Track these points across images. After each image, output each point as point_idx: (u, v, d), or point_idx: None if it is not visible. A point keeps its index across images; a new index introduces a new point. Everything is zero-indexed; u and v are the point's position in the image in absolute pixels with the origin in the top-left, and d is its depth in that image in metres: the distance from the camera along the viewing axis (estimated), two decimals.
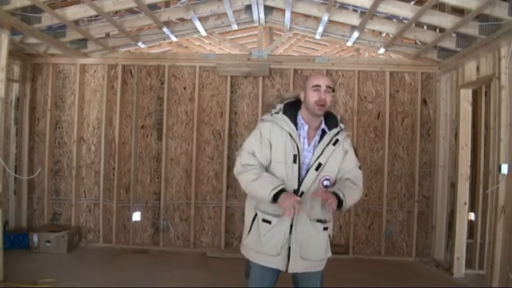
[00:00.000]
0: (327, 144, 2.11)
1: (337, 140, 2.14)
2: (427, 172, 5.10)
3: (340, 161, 2.17)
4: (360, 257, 5.07)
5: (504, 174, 3.53)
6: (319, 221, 2.16)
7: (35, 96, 5.28)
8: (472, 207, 4.67)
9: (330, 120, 2.19)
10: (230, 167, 4.91)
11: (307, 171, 2.09)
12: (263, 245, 2.13)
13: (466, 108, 4.44)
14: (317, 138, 2.15)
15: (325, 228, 2.19)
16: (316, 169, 2.08)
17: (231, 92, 5.22)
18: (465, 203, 4.39)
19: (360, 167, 2.29)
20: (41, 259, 4.51)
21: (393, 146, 5.15)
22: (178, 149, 5.29)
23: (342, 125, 2.21)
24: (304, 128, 2.14)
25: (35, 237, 4.75)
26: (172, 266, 4.52)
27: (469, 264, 4.38)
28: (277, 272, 2.21)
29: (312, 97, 2.08)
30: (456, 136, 4.52)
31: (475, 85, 4.34)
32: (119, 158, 5.22)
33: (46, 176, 5.19)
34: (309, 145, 2.14)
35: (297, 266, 2.14)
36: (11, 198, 5.09)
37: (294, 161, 2.07)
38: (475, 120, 4.60)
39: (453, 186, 4.58)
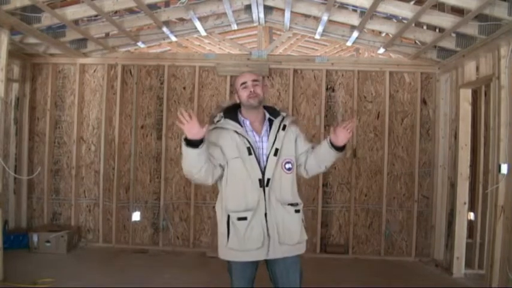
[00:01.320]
0: (277, 131, 2.28)
1: (284, 126, 2.32)
2: (427, 172, 5.10)
3: (294, 143, 2.34)
4: (359, 256, 5.08)
5: (504, 174, 3.53)
6: (290, 204, 2.27)
7: (34, 96, 5.29)
8: (472, 207, 4.67)
9: (272, 111, 2.38)
10: None
11: (267, 159, 2.24)
12: (246, 242, 2.21)
13: (465, 108, 4.44)
14: (266, 128, 2.31)
15: (297, 211, 2.30)
16: (275, 154, 2.24)
17: (231, 92, 5.21)
18: (465, 203, 4.39)
19: None
20: (40, 259, 4.51)
21: (393, 145, 5.15)
22: (178, 148, 5.28)
23: (283, 113, 2.38)
24: (246, 123, 2.30)
25: (35, 237, 4.75)
26: (171, 266, 4.52)
27: (468, 264, 4.38)
28: (256, 264, 2.31)
29: (243, 93, 2.28)
30: (456, 136, 4.52)
31: (475, 85, 4.34)
32: (118, 158, 5.22)
33: (46, 175, 5.19)
34: (259, 136, 2.29)
35: (276, 252, 2.22)
36: (11, 198, 5.09)
37: (250, 153, 2.22)
38: (474, 120, 4.60)
39: (453, 186, 4.58)
